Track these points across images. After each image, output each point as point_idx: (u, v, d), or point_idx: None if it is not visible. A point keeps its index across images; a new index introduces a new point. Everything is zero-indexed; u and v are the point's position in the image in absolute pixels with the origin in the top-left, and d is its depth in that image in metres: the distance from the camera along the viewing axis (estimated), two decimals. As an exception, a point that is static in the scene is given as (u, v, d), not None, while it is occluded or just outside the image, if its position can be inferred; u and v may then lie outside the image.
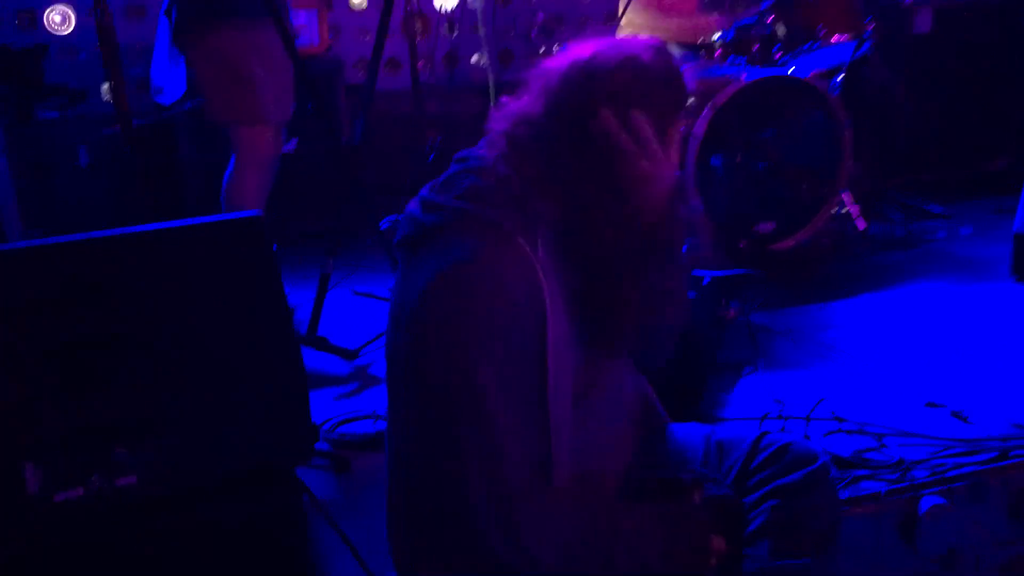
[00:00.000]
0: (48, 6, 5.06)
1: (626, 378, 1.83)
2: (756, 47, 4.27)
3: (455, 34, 5.75)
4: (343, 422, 2.64)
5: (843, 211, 4.15)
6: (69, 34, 5.10)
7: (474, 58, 5.80)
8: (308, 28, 4.72)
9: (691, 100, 3.95)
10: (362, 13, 5.50)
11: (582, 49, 1.54)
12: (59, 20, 5.12)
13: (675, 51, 4.47)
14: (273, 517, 1.80)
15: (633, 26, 4.67)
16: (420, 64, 5.72)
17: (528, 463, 1.49)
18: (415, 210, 1.58)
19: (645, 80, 1.50)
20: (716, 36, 4.48)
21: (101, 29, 2.53)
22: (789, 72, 3.93)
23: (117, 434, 1.70)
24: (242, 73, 3.21)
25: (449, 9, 5.43)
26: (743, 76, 3.83)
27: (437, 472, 1.47)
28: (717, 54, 4.39)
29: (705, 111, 3.74)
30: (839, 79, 4.20)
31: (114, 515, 1.71)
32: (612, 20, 4.53)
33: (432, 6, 5.62)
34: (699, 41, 4.48)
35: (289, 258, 4.20)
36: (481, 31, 4.58)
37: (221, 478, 1.78)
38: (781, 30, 4.10)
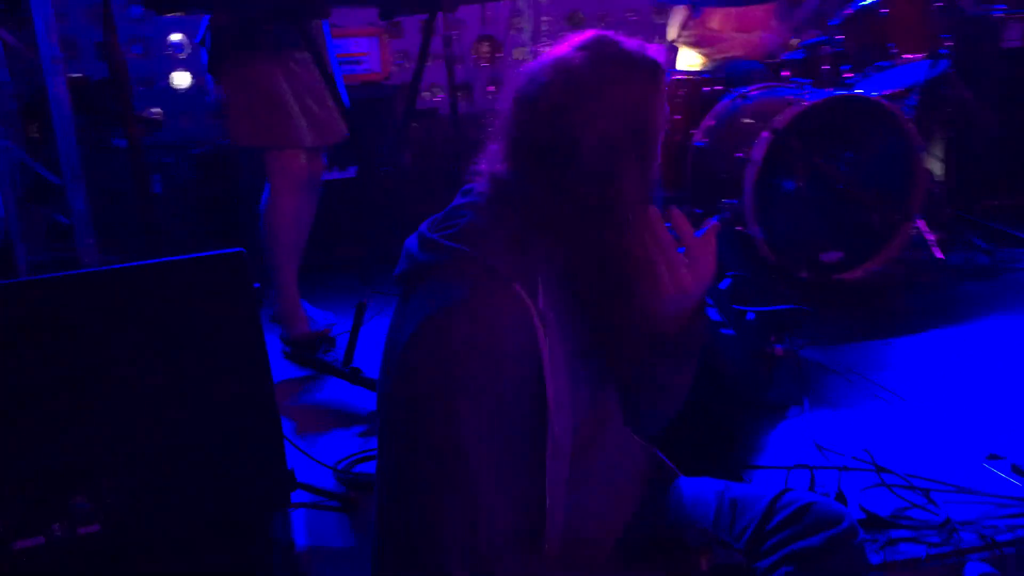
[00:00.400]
0: (129, 36, 5.19)
1: (621, 429, 1.69)
2: (825, 67, 4.06)
3: (526, 58, 5.68)
4: (360, 460, 2.56)
5: (918, 239, 3.90)
6: (142, 63, 5.22)
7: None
8: (370, 56, 4.71)
9: (749, 121, 3.78)
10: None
11: (518, 77, 1.42)
12: (135, 50, 5.25)
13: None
14: (243, 570, 1.72)
15: (697, 45, 4.52)
16: (490, 88, 5.70)
17: (513, 530, 1.38)
18: (412, 246, 1.48)
19: (584, 80, 1.35)
20: (786, 54, 4.30)
21: (113, 63, 2.52)
22: (857, 92, 3.71)
23: (78, 480, 1.65)
24: (273, 99, 3.21)
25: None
26: (806, 97, 3.63)
27: (413, 533, 1.37)
28: (785, 74, 4.21)
29: (764, 134, 3.56)
30: (913, 99, 3.96)
31: (77, 564, 1.66)
32: (666, 40, 4.38)
33: (503, 29, 5.57)
34: (767, 60, 4.30)
35: (336, 283, 4.19)
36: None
37: (188, 528, 1.72)
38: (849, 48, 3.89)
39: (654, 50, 1.42)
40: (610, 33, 1.41)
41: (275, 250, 3.52)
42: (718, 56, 4.41)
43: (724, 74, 4.21)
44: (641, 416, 1.66)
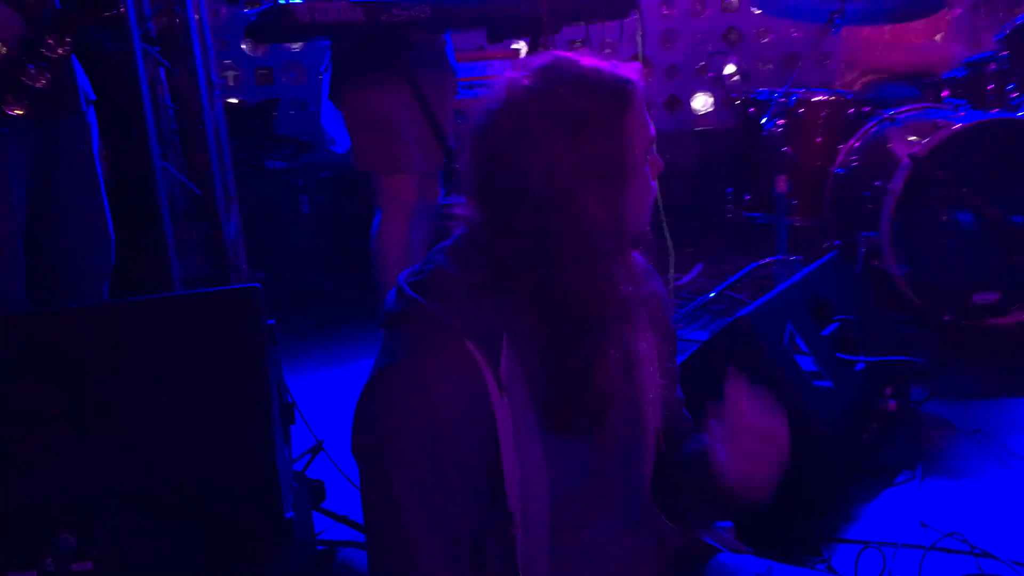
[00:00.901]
0: (283, 61, 5.38)
1: (633, 508, 1.49)
2: (990, 85, 3.65)
3: (677, 78, 5.48)
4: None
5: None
6: (299, 87, 5.39)
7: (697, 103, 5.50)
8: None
9: (892, 146, 3.44)
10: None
11: (476, 115, 1.28)
12: (293, 75, 5.43)
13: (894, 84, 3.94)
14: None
15: (855, 63, 4.20)
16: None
17: None
18: (391, 293, 1.39)
19: (531, 105, 1.21)
20: (947, 72, 3.91)
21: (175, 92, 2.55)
22: (1020, 116, 3.30)
23: (70, 516, 1.64)
24: (388, 126, 3.20)
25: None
26: (957, 121, 3.26)
27: None
28: (944, 94, 3.82)
29: (904, 162, 3.22)
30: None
31: (69, 599, 1.64)
32: (824, 58, 4.07)
33: (654, 50, 5.40)
34: (923, 79, 3.93)
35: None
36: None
37: (180, 574, 1.67)
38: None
39: (627, 69, 1.26)
40: (570, 54, 1.26)
41: (383, 275, 3.50)
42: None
43: (873, 95, 3.87)
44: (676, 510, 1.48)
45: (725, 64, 4.48)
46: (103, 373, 1.68)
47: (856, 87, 4.24)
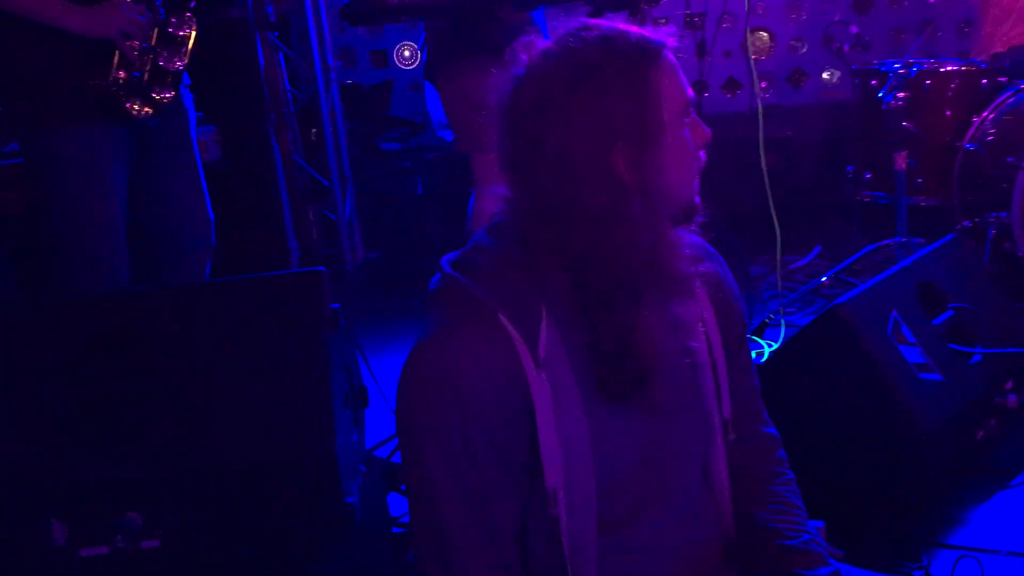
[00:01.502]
0: (398, 44, 5.41)
1: (693, 494, 1.40)
2: None
3: (803, 50, 5.24)
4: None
5: None
6: (414, 69, 5.40)
7: (826, 75, 5.25)
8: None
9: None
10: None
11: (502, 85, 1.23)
12: (408, 55, 5.45)
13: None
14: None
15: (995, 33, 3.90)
16: (763, 84, 5.30)
17: None
18: (435, 276, 1.36)
19: (554, 72, 1.17)
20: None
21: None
22: None
23: (138, 494, 1.67)
24: (478, 105, 3.15)
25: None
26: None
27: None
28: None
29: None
30: None
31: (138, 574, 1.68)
32: (965, 26, 3.80)
33: (777, 22, 5.18)
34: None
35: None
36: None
37: (239, 555, 1.68)
38: None
39: (658, 32, 1.20)
40: (596, 20, 1.20)
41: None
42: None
43: (1009, 63, 3.59)
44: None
45: (847, 33, 4.25)
46: (170, 355, 1.70)
47: (986, 56, 3.94)
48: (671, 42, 1.20)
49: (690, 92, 1.23)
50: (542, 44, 1.21)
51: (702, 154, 1.27)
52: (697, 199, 1.28)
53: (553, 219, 1.20)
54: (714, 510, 1.41)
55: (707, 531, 1.40)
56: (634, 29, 1.19)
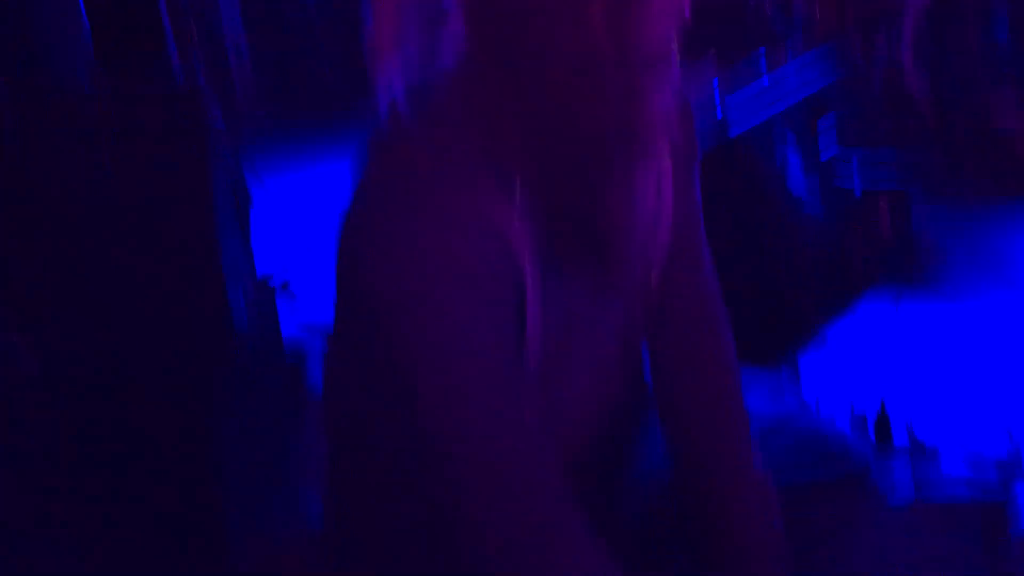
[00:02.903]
0: None
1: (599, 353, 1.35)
2: None
3: None
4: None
5: None
6: None
7: None
8: None
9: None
10: None
11: None
12: None
13: None
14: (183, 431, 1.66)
15: None
16: None
17: None
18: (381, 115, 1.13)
19: None
20: None
21: None
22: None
23: (15, 318, 1.62)
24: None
25: None
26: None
27: None
28: None
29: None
30: None
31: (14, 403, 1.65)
32: None
33: None
34: None
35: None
36: None
37: (128, 378, 1.66)
38: None
39: None
40: None
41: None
42: None
43: None
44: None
45: None
46: (47, 167, 1.61)
47: None
48: None
49: None
50: None
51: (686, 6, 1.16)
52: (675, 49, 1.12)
53: (517, 69, 1.08)
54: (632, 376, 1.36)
55: (621, 396, 1.32)
56: None
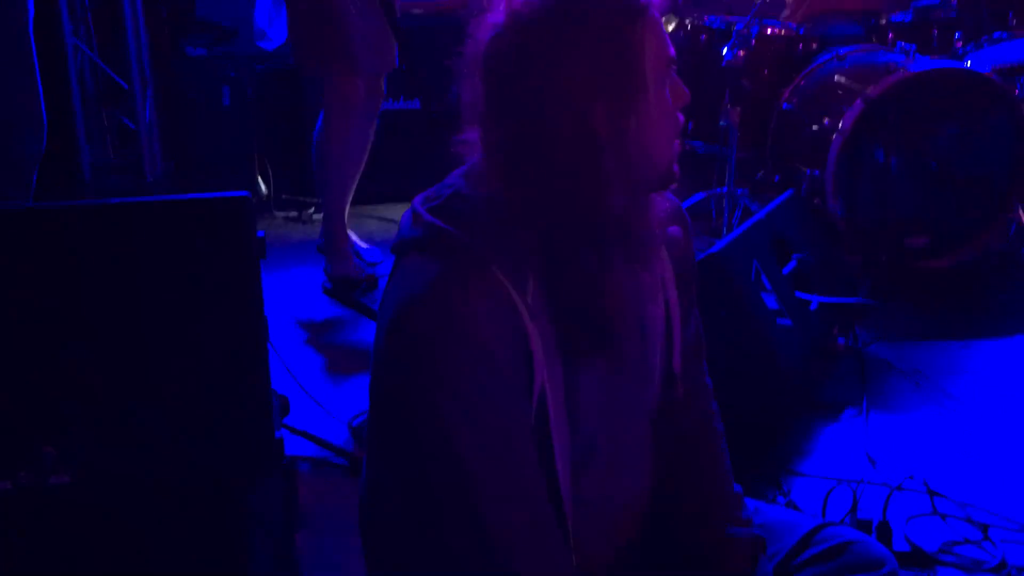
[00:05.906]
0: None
1: (635, 444, 1.47)
2: (935, 32, 3.72)
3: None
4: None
5: (1019, 231, 3.58)
6: (223, -31, 5.07)
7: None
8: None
9: (842, 84, 3.48)
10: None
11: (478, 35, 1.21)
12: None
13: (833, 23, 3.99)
14: (216, 539, 1.61)
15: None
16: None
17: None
18: (405, 219, 1.31)
19: (536, 25, 1.15)
20: (895, 15, 3.95)
21: None
22: (967, 64, 3.38)
23: (48, 428, 1.55)
24: (334, 23, 3.07)
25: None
26: (908, 66, 3.32)
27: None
28: (889, 37, 3.88)
29: (856, 103, 3.27)
30: (1030, 77, 3.60)
31: (46, 514, 1.57)
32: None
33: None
34: (870, 18, 3.97)
35: (393, 220, 4.05)
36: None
37: (163, 490, 1.61)
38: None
39: None
40: None
41: (326, 178, 3.40)
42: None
43: (820, 31, 3.91)
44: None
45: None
46: (87, 276, 1.57)
47: (798, 20, 4.25)
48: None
49: (672, 51, 1.23)
50: None
51: (680, 116, 1.27)
52: (676, 167, 1.28)
53: (526, 173, 1.19)
54: (653, 461, 1.49)
55: (644, 481, 1.46)
56: None
